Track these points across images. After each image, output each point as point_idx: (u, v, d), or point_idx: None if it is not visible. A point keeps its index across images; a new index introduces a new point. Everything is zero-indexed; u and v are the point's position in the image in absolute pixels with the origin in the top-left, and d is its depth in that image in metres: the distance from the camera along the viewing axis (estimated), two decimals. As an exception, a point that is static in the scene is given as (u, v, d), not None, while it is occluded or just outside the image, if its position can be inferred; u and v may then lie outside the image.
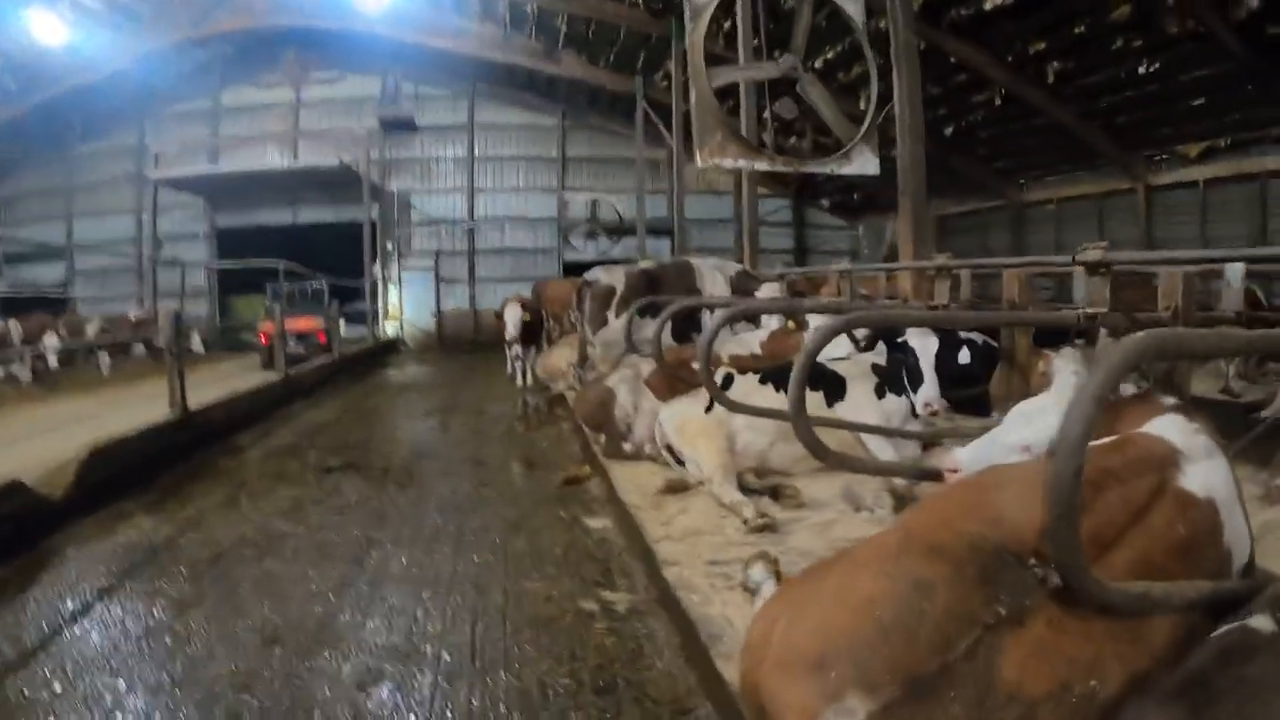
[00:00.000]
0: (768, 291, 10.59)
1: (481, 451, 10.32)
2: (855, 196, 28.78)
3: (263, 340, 19.40)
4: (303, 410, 13.65)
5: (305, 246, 24.37)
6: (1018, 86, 17.29)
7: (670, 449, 7.37)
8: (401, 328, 28.30)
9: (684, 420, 7.16)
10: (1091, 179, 20.80)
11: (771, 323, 10.37)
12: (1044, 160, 21.66)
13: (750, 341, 9.05)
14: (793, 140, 16.99)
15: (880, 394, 7.06)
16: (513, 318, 15.77)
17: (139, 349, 21.28)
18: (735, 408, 6.16)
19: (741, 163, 8.88)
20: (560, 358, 14.12)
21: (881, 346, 7.31)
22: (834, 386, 7.18)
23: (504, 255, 29.18)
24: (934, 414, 6.73)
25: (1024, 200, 23.12)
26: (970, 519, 2.68)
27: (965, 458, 4.01)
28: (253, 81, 28.71)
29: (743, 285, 10.71)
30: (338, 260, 25.19)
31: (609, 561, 6.16)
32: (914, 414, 6.90)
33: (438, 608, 5.34)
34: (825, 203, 30.27)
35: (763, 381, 7.22)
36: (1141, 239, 18.93)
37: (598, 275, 10.27)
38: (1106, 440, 3.13)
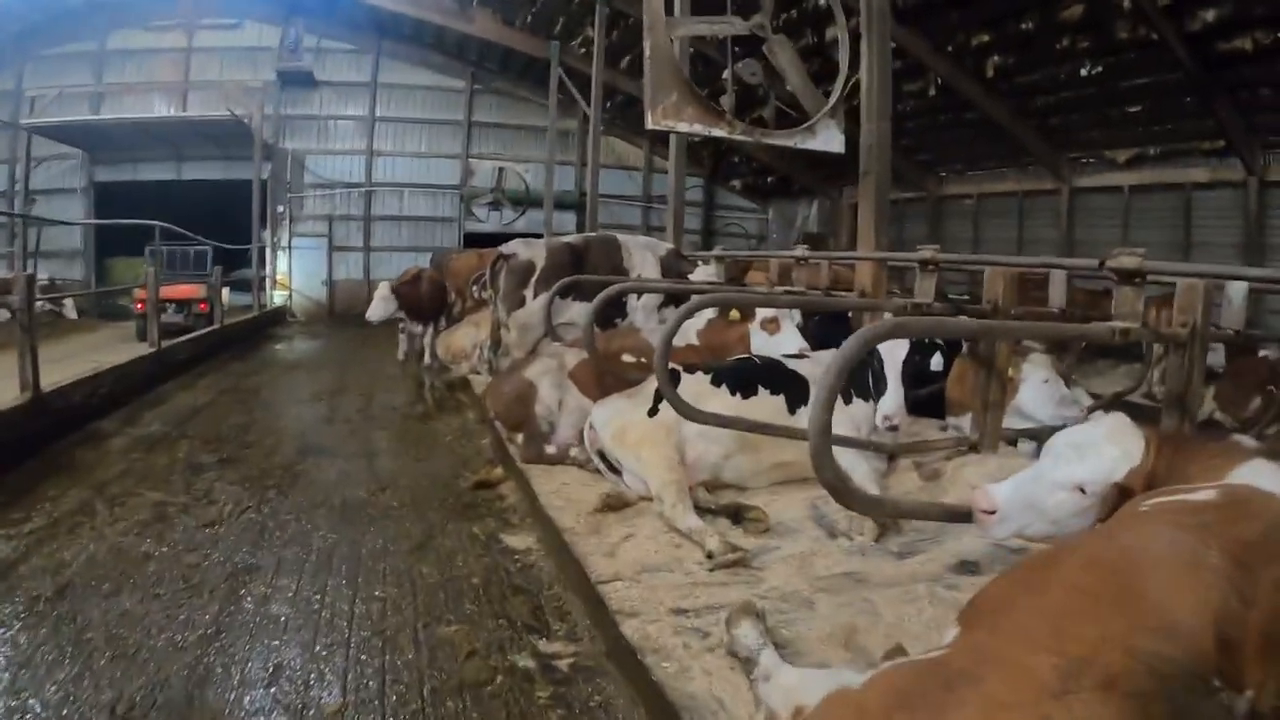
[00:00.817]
0: (702, 275, 9.70)
1: (376, 444, 9.26)
2: (768, 180, 28.09)
3: (139, 308, 17.80)
4: (176, 391, 12.24)
5: (191, 206, 22.68)
6: (955, 78, 16.78)
7: (603, 456, 6.48)
8: (290, 297, 26.50)
9: (624, 424, 6.24)
10: (1015, 176, 20.55)
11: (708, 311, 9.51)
12: (967, 154, 21.36)
13: (686, 332, 8.11)
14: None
15: (846, 398, 6.26)
16: (377, 302, 14.75)
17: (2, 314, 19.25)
18: (700, 418, 5.26)
19: (698, 127, 7.88)
20: (464, 337, 12.99)
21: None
22: (795, 389, 6.36)
23: (402, 223, 27.68)
24: (893, 429, 6.00)
25: (942, 193, 22.80)
26: (1132, 625, 2.05)
27: (1004, 497, 3.51)
28: (144, 24, 26.27)
29: (674, 267, 9.79)
30: (225, 223, 23.44)
31: (539, 595, 5.24)
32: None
33: (335, 669, 4.31)
34: (737, 184, 29.48)
35: (716, 382, 6.32)
36: (1061, 240, 18.96)
37: (515, 248, 9.20)
38: (1210, 494, 2.61)
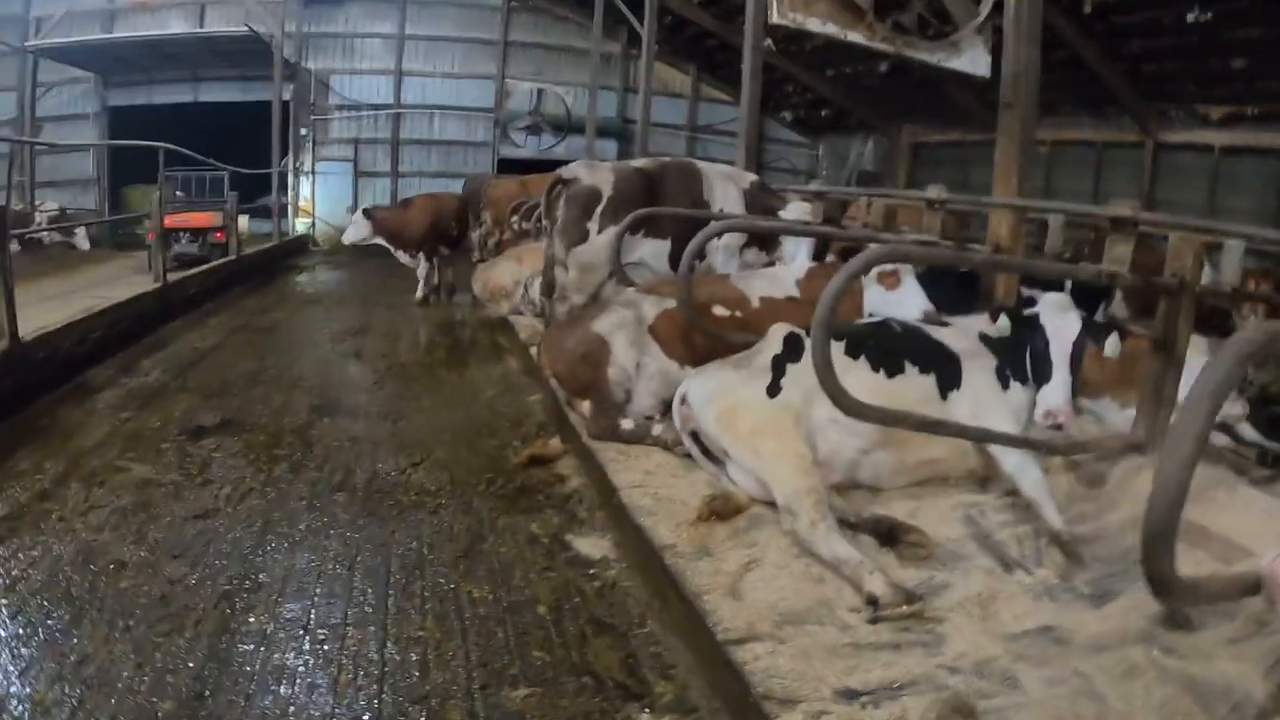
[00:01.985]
0: (795, 213, 8.21)
1: (404, 400, 7.94)
2: (822, 113, 26.19)
3: (151, 238, 16.55)
4: (181, 331, 10.88)
5: (209, 130, 21.06)
6: (1049, 13, 15.00)
7: (698, 439, 5.14)
8: (313, 225, 24.98)
9: (733, 405, 4.86)
10: (1094, 125, 18.68)
11: (800, 255, 8.08)
12: (1046, 97, 19.31)
13: (783, 279, 6.69)
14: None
15: (1004, 381, 4.99)
16: (350, 225, 13.91)
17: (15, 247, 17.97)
18: (874, 415, 3.88)
19: (830, 27, 6.39)
20: (505, 273, 11.44)
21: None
22: (946, 368, 5.05)
23: (432, 148, 26.02)
24: (1057, 427, 4.72)
25: None
26: None
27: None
28: (158, -65, 24.51)
29: (761, 202, 8.30)
30: (245, 147, 21.91)
31: (629, 635, 3.98)
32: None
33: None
34: (787, 116, 27.51)
35: (853, 352, 4.98)
36: (1143, 198, 16.97)
37: (578, 172, 7.68)
38: None
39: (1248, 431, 5.66)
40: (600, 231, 7.40)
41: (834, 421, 4.61)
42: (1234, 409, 5.56)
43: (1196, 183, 16.53)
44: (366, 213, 13.95)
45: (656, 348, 6.03)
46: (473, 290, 12.18)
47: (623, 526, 4.90)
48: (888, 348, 5.01)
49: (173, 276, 12.24)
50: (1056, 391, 4.66)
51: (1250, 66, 14.25)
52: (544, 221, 7.89)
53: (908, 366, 4.95)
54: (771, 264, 8.10)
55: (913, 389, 4.86)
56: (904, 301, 5.95)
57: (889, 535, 4.33)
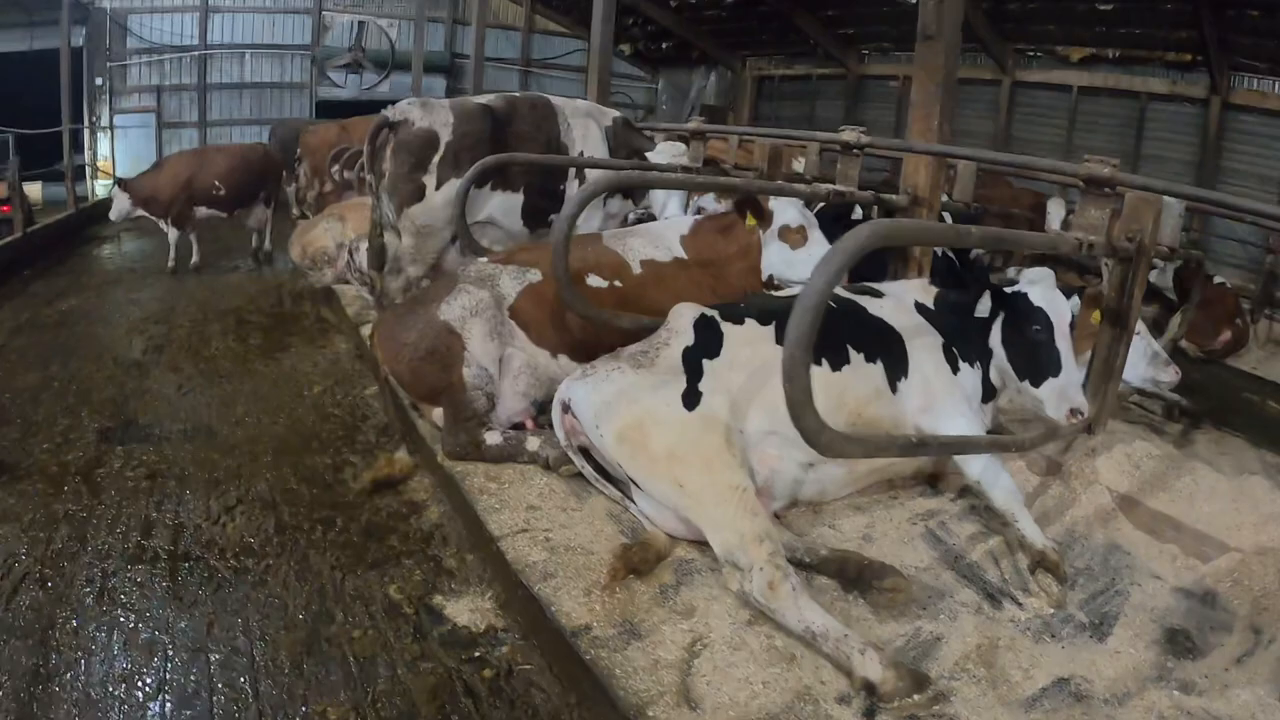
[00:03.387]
0: (667, 154, 7.09)
1: (215, 412, 6.52)
2: (663, 45, 25.03)
3: None
4: None
5: None
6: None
7: (589, 454, 4.11)
8: (114, 187, 22.27)
9: (639, 420, 3.83)
10: None
11: (671, 204, 7.05)
12: (896, 33, 18.80)
13: (665, 237, 5.55)
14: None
15: (953, 364, 4.29)
16: (116, 203, 12.57)
17: None
18: (845, 450, 2.91)
19: None
20: (325, 234, 9.75)
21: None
22: (891, 351, 4.27)
23: (244, 92, 23.77)
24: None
25: (863, 72, 20.28)
26: None
27: None
28: None
29: (627, 141, 7.18)
30: (36, 104, 19.33)
31: None
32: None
33: None
34: (625, 49, 26.12)
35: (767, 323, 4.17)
36: (999, 134, 17.36)
37: (408, 113, 6.28)
38: None
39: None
40: (439, 186, 6.19)
41: (772, 434, 3.69)
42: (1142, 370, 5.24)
43: (1054, 121, 16.85)
44: (120, 183, 12.68)
45: (522, 335, 4.91)
46: (290, 255, 10.55)
47: (508, 585, 3.84)
48: (825, 328, 4.03)
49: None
50: (1077, 386, 4.06)
51: (1115, 10, 14.36)
52: (368, 175, 6.52)
53: (852, 353, 4.02)
54: (643, 218, 7.03)
55: (862, 383, 4.02)
56: (812, 261, 5.02)
57: (857, 578, 3.40)
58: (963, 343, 4.31)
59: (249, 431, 6.02)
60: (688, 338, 4.06)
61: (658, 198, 7.18)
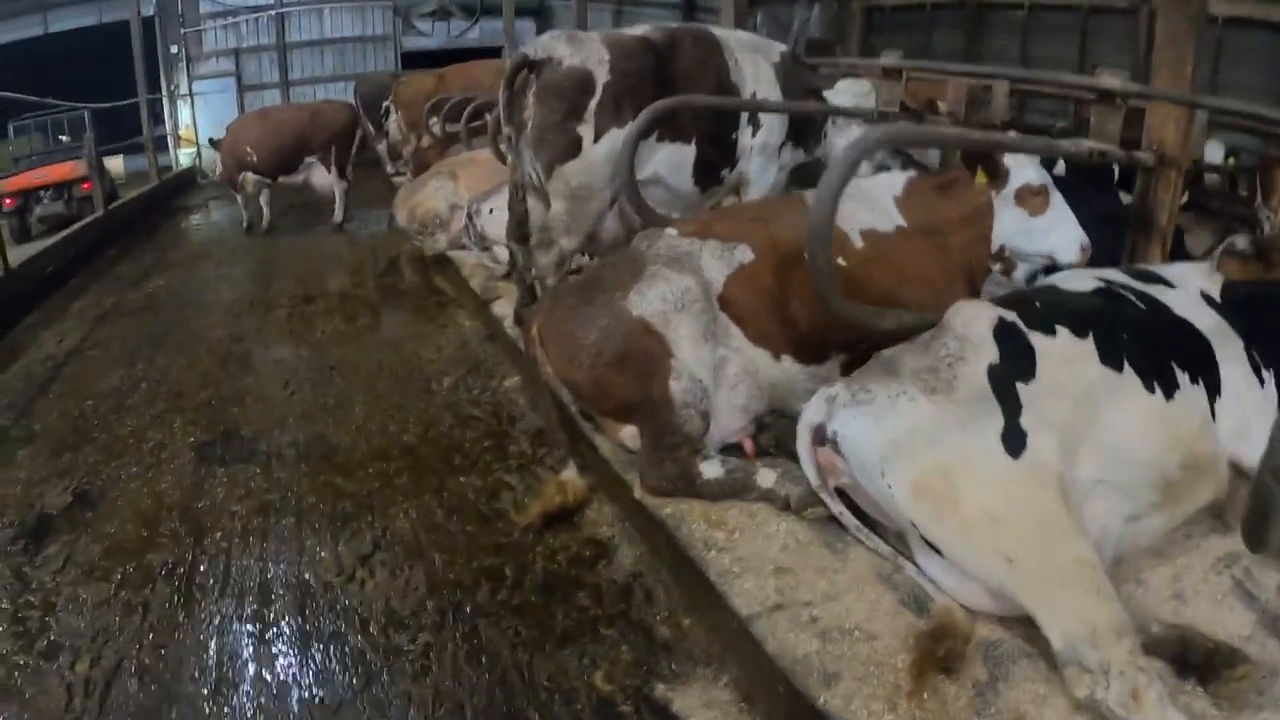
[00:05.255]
0: (848, 96, 5.86)
1: (329, 416, 5.52)
2: (761, -26, 23.70)
3: (8, 204, 14.32)
4: (36, 329, 8.17)
5: (67, 64, 19.04)
6: None
7: (846, 495, 3.18)
8: (199, 154, 21.02)
9: (947, 469, 2.78)
10: None
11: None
12: None
13: (880, 200, 4.25)
14: None
15: (1258, 373, 3.31)
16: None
17: None
18: None
19: None
20: (438, 195, 8.59)
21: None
22: (1204, 361, 3.28)
23: (325, 49, 23.07)
24: None
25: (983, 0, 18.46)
26: None
27: None
28: None
29: (800, 80, 5.92)
30: (112, 78, 18.82)
31: None
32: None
33: None
34: (721, -21, 24.84)
35: (1110, 359, 3.09)
36: (1138, 67, 14.96)
37: (555, 49, 5.05)
38: None
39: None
40: (598, 137, 5.01)
41: (1100, 483, 2.78)
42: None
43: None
44: (211, 142, 12.58)
45: (737, 332, 3.75)
46: (395, 217, 9.41)
47: (760, 677, 2.80)
48: (1140, 337, 3.14)
49: (30, 249, 9.82)
50: None
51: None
52: (505, 128, 5.36)
53: (1178, 373, 3.11)
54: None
55: (1191, 413, 3.11)
56: (1054, 231, 4.15)
57: (1205, 665, 2.55)
58: (1261, 345, 3.25)
59: (375, 444, 5.01)
60: (989, 352, 2.93)
61: (837, 147, 5.99)
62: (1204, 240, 6.14)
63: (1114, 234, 4.71)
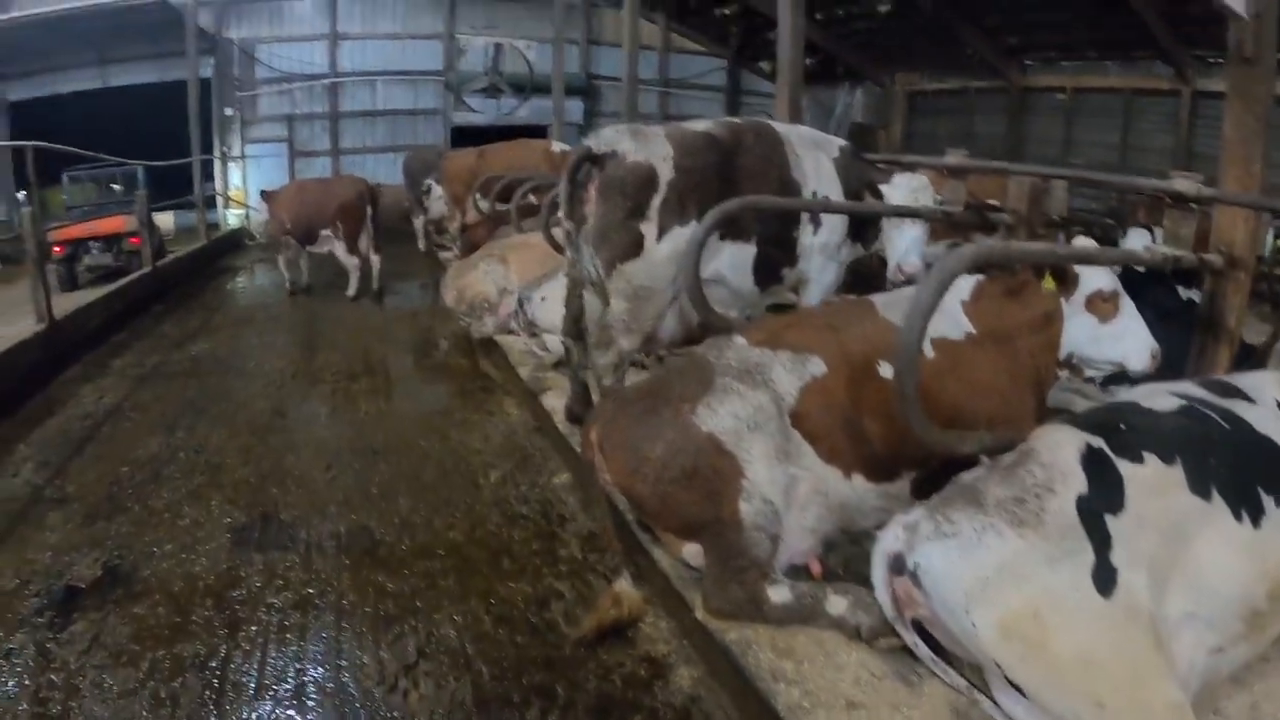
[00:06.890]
0: (904, 194, 5.76)
1: (371, 507, 5.34)
2: (806, 61, 23.79)
3: (57, 250, 14.07)
4: (76, 385, 8.13)
5: (123, 119, 19.21)
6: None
7: (922, 628, 3.02)
8: (247, 216, 21.81)
9: (1035, 607, 2.69)
10: (1121, 71, 16.62)
11: (911, 251, 5.80)
12: (1064, 40, 17.21)
13: (948, 305, 4.07)
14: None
15: None
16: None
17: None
18: None
19: None
20: (487, 279, 8.55)
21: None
22: None
23: (376, 119, 23.34)
24: None
25: (1026, 84, 18.60)
26: None
27: None
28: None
29: (859, 175, 5.83)
30: (165, 135, 19.21)
31: None
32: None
33: None
34: (766, 65, 24.93)
35: (1200, 487, 2.99)
36: (1179, 149, 15.09)
37: (619, 143, 4.98)
38: None
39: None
40: (661, 236, 4.91)
41: (1190, 617, 2.75)
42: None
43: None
44: (263, 194, 12.71)
45: (810, 451, 3.58)
46: (442, 296, 9.37)
47: None
48: (1226, 460, 3.01)
49: (73, 301, 9.70)
50: None
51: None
52: (565, 221, 5.27)
53: (1264, 497, 2.97)
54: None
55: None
56: (1125, 338, 4.01)
57: None
58: None
59: (419, 539, 4.84)
60: (1078, 482, 2.81)
61: (897, 243, 5.88)
62: (1259, 330, 6.02)
63: (1176, 331, 4.61)
